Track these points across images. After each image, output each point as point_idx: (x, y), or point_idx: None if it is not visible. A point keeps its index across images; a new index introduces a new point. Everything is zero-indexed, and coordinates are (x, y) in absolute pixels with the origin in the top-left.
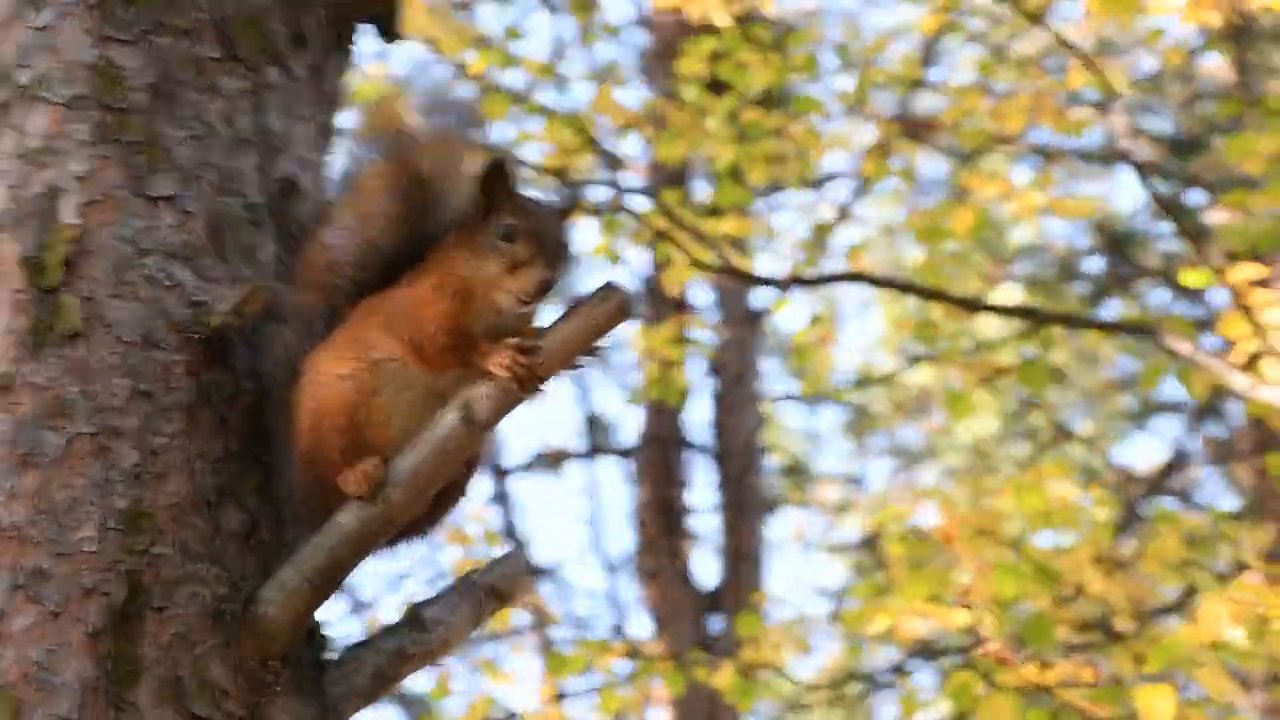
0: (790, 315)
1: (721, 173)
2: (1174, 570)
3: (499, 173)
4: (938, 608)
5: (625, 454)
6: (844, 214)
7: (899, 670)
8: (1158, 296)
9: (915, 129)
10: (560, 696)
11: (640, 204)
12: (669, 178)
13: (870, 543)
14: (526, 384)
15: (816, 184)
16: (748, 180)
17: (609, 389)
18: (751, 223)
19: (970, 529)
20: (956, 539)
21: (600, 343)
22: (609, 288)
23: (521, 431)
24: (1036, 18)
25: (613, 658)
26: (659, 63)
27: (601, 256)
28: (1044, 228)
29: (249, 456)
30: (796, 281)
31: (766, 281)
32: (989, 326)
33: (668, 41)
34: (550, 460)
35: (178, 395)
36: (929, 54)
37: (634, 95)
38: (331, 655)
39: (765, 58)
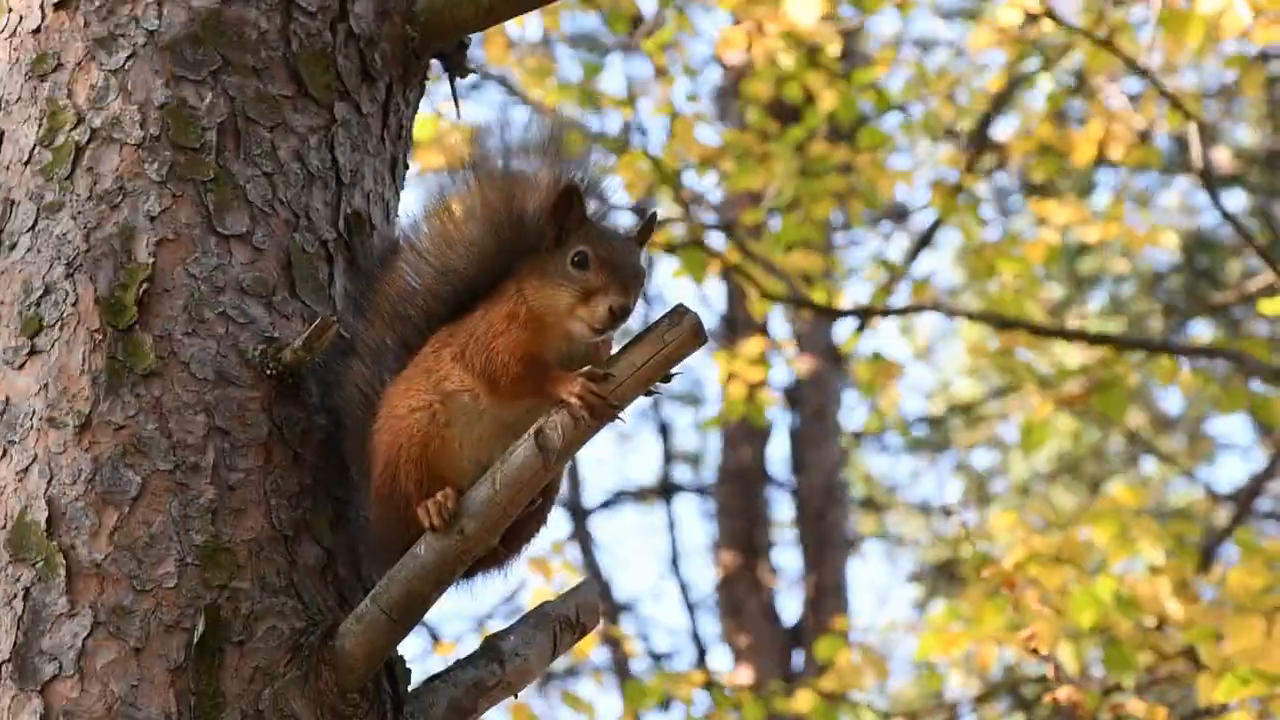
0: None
1: (786, 208)
2: (1259, 596)
3: (571, 200)
4: (1014, 636)
5: (705, 490)
6: (922, 243)
7: (978, 699)
8: (1241, 313)
9: (990, 155)
10: None
11: (716, 238)
12: (742, 209)
13: (948, 571)
14: (600, 413)
15: (895, 216)
16: (811, 215)
17: (688, 425)
18: (824, 257)
19: (1047, 556)
20: (1017, 583)
21: (674, 369)
22: (680, 311)
23: (601, 468)
24: (1108, 44)
25: (692, 689)
26: (731, 98)
27: (679, 286)
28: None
29: (323, 491)
30: (865, 312)
31: (835, 312)
32: (1066, 352)
33: (739, 77)
34: (633, 497)
35: (253, 431)
36: (1004, 83)
37: (708, 132)
38: (409, 688)
39: (834, 86)
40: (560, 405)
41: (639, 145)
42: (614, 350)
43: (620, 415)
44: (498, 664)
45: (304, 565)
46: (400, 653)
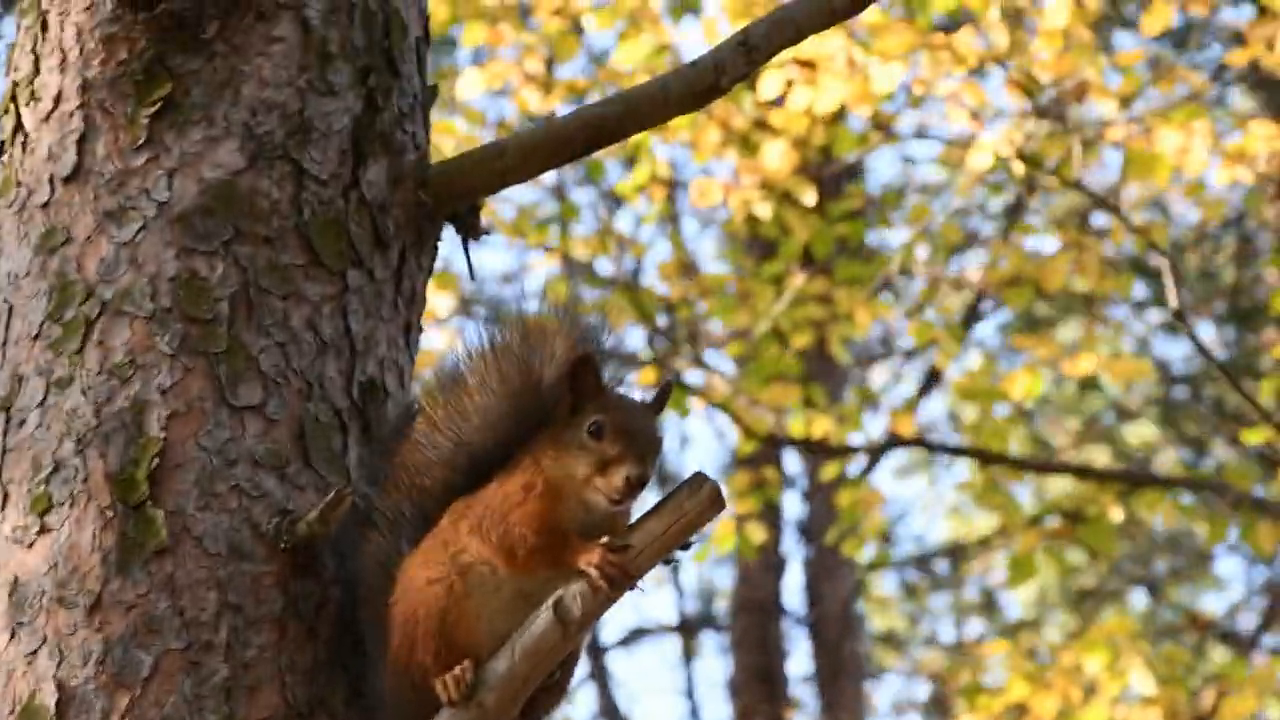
0: (885, 480)
1: (766, 341)
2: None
3: (586, 368)
4: None
5: (720, 625)
6: (930, 382)
7: None
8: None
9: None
10: None
11: (700, 375)
12: (730, 344)
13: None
14: (619, 583)
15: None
16: (792, 347)
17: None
18: (804, 390)
19: (1039, 685)
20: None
21: (692, 536)
22: (699, 478)
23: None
24: (1074, 183)
25: None
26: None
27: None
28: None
29: (338, 666)
30: (846, 450)
31: (819, 450)
32: (1052, 485)
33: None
34: (646, 634)
35: (267, 607)
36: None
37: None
38: None
39: (805, 221)
40: (579, 576)
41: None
42: (632, 518)
43: (639, 584)
44: None
45: None
46: None
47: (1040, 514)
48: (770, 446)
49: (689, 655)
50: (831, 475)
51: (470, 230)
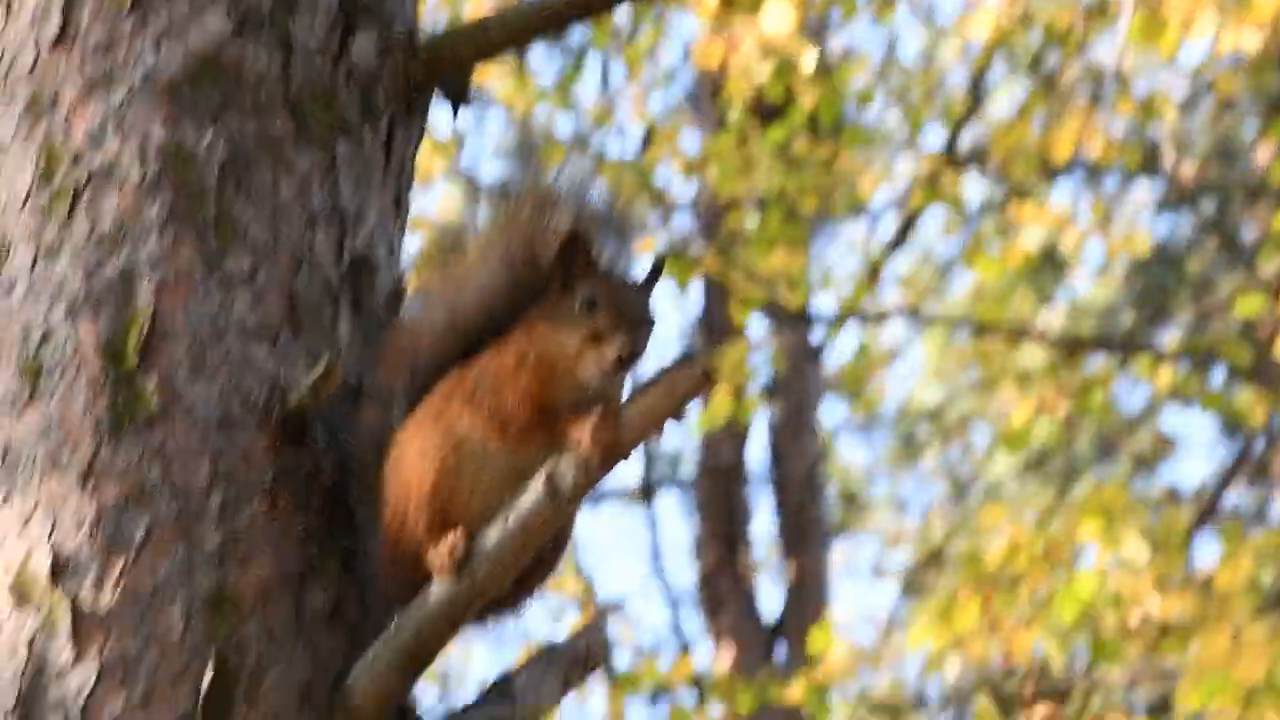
0: (847, 347)
1: (770, 203)
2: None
3: (578, 243)
4: (998, 634)
5: (684, 488)
6: (895, 246)
7: (955, 697)
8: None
9: (964, 160)
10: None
11: (696, 243)
12: (720, 214)
13: (929, 568)
14: (610, 456)
15: (867, 214)
16: (799, 211)
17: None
18: (804, 257)
19: (1031, 553)
20: (991, 599)
21: (682, 410)
22: (690, 356)
23: None
24: (1078, 48)
25: (678, 680)
26: (708, 97)
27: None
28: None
29: (330, 536)
30: (840, 318)
31: (812, 319)
32: (1034, 355)
33: (715, 79)
34: (619, 496)
35: (258, 476)
36: (977, 85)
37: (687, 136)
38: None
39: (813, 85)
40: (571, 449)
41: (615, 149)
42: (624, 393)
43: (629, 457)
44: (509, 704)
45: (312, 612)
46: (411, 697)
47: (1047, 376)
48: (771, 317)
49: (653, 518)
50: (832, 333)
51: (459, 97)
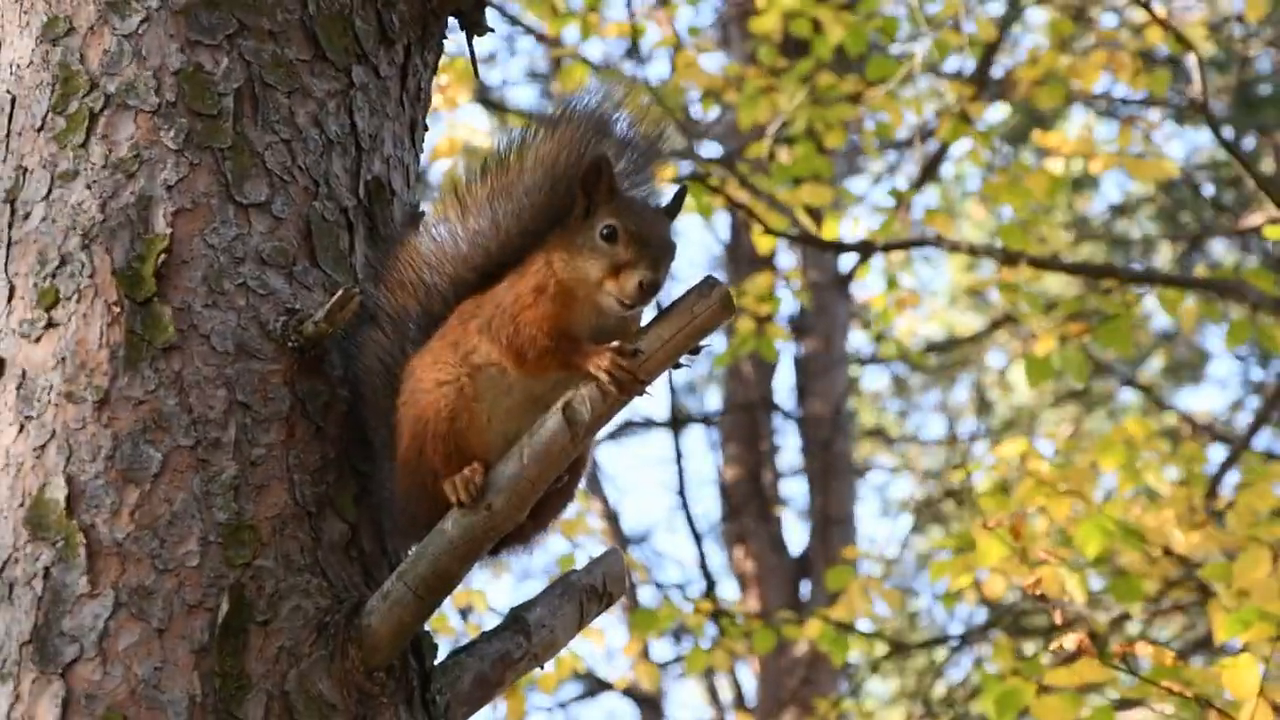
0: (874, 281)
1: (797, 137)
2: (1266, 524)
3: (600, 172)
4: (1020, 567)
5: (710, 421)
6: (924, 177)
7: (974, 630)
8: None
9: (992, 89)
10: (646, 653)
11: (720, 170)
12: (747, 142)
13: (952, 501)
14: (628, 387)
15: (896, 146)
16: (824, 144)
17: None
18: (831, 188)
19: (1053, 487)
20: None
21: (702, 340)
22: (709, 283)
23: None
24: None
25: (700, 617)
26: (735, 27)
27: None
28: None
29: (347, 465)
30: (869, 247)
31: (839, 247)
32: (1060, 285)
33: (743, 5)
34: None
35: (275, 405)
36: (1005, 14)
37: (711, 61)
38: (435, 662)
39: (840, 18)
40: (589, 379)
41: (642, 76)
42: (643, 322)
43: (648, 389)
44: (524, 636)
45: (328, 542)
46: (426, 628)
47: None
48: (798, 244)
49: (679, 450)
50: (861, 273)
51: (475, 27)
